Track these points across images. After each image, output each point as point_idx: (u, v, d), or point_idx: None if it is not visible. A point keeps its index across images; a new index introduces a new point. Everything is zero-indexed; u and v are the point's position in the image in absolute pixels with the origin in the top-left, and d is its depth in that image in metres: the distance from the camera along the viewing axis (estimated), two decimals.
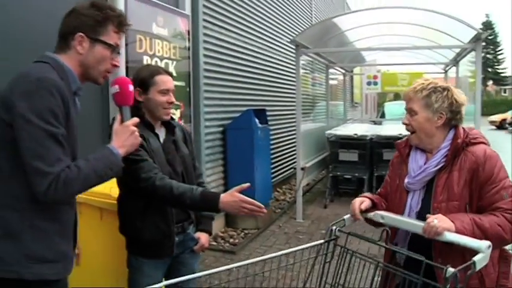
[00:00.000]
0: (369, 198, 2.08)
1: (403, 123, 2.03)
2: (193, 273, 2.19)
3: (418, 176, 1.97)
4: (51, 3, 2.95)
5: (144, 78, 2.22)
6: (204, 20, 5.22)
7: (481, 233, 1.74)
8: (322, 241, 1.89)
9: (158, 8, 4.12)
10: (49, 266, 1.64)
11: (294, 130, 8.51)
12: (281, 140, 7.99)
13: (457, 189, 1.87)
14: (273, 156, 7.06)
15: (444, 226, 1.71)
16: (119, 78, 1.90)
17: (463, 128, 1.98)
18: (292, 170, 8.60)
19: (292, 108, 8.58)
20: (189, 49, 4.69)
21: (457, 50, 7.19)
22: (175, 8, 4.54)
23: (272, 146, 7.09)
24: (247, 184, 2.04)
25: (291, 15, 8.94)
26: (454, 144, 1.90)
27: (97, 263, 2.45)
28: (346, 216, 2.03)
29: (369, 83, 9.26)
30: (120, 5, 3.44)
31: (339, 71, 10.17)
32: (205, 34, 5.24)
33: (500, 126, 26.62)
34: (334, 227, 1.92)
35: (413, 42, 7.73)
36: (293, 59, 8.69)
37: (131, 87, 1.85)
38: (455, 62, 8.21)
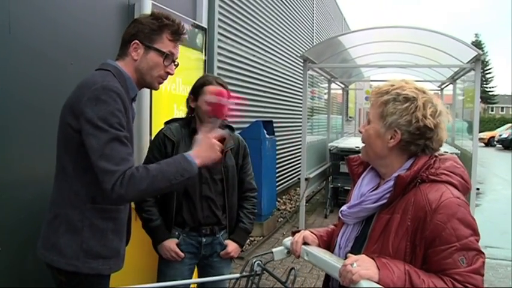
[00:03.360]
0: (314, 234, 1.62)
1: (359, 131, 1.57)
2: None
3: (352, 208, 1.49)
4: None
5: (196, 87, 2.37)
6: (219, 33, 5.40)
7: None
8: (236, 275, 1.50)
9: (181, 20, 4.27)
10: (103, 262, 1.74)
11: (295, 141, 8.73)
12: (282, 151, 8.17)
13: (393, 240, 1.36)
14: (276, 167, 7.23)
15: (362, 273, 1.24)
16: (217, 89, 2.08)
17: (434, 156, 1.44)
18: (291, 180, 8.80)
19: (294, 120, 8.79)
20: (205, 62, 4.86)
21: (456, 69, 7.46)
22: (194, 21, 4.72)
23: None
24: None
25: (295, 31, 9.18)
26: (400, 177, 1.37)
27: (131, 261, 2.55)
28: (277, 249, 1.60)
29: (367, 98, 9.53)
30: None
31: (339, 85, 10.42)
32: (219, 47, 5.41)
33: (488, 143, 27.46)
34: (254, 260, 1.51)
35: (411, 60, 7.99)
36: (297, 73, 8.95)
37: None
38: (453, 80, 8.49)
